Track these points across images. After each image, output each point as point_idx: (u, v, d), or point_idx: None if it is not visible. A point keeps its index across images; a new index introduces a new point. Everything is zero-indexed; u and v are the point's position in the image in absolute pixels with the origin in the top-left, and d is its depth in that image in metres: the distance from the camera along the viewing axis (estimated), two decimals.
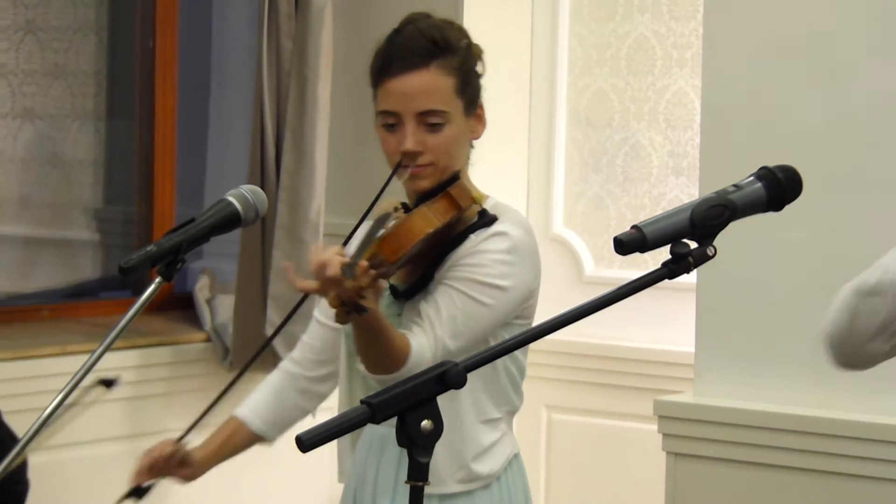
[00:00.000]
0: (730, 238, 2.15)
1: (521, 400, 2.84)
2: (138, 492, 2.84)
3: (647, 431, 4.33)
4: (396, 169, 2.70)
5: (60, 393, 2.32)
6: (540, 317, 2.40)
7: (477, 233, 2.71)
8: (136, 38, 5.20)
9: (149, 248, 2.39)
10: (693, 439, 3.84)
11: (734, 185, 2.04)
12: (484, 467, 2.76)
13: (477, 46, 2.80)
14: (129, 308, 2.35)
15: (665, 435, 3.88)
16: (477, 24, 2.92)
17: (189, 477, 2.89)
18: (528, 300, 2.76)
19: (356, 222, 2.80)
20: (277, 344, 4.46)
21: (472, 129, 2.78)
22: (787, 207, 2.07)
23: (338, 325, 2.86)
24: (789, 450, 3.70)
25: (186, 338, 4.88)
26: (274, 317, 4.71)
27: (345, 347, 2.85)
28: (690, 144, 4.91)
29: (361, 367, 2.63)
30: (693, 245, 1.98)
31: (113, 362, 4.38)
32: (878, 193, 3.64)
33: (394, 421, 1.83)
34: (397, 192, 2.76)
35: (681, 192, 4.96)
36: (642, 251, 1.96)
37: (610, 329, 4.90)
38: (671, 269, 1.96)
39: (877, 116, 3.64)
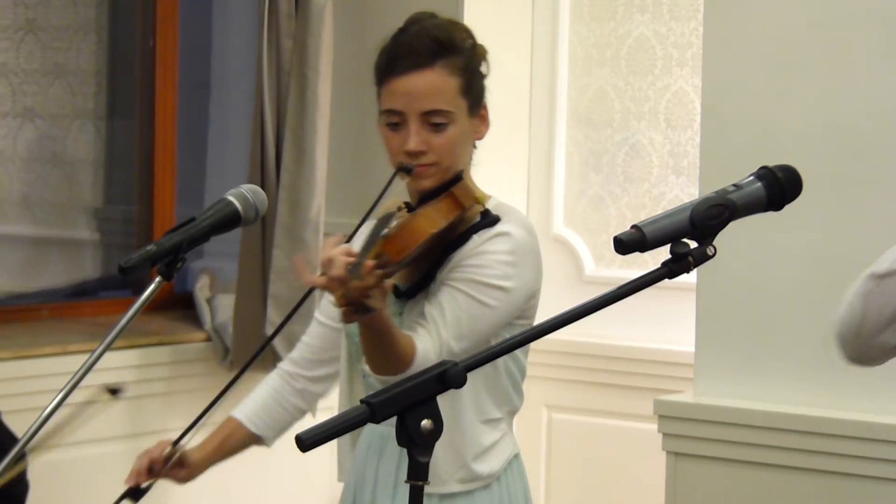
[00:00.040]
0: (730, 238, 2.15)
1: (521, 400, 2.84)
2: (135, 493, 2.83)
3: (647, 431, 4.33)
4: (399, 170, 2.70)
5: (60, 393, 2.32)
6: (540, 316, 2.40)
7: (480, 233, 2.71)
8: (136, 38, 5.19)
9: (149, 248, 2.39)
10: (693, 439, 3.84)
11: (734, 185, 2.04)
12: (484, 467, 2.76)
13: (482, 47, 2.80)
14: (129, 308, 2.35)
15: (665, 434, 3.87)
16: (477, 23, 2.92)
17: (186, 478, 2.88)
18: (530, 301, 2.76)
19: (356, 221, 2.80)
20: (277, 344, 4.46)
21: (475, 129, 2.78)
22: (787, 207, 2.07)
23: (338, 326, 2.86)
24: (790, 449, 3.70)
25: (186, 337, 4.88)
26: (274, 316, 4.71)
27: (346, 348, 2.85)
28: (690, 144, 4.91)
29: (366, 368, 2.63)
30: (693, 244, 1.98)
31: (113, 362, 4.39)
32: (878, 193, 3.64)
33: (394, 420, 1.83)
34: (398, 191, 2.76)
35: (681, 191, 4.96)
36: (642, 251, 1.96)
37: (610, 328, 4.89)
38: (671, 269, 1.96)
39: (877, 116, 3.64)
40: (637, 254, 1.97)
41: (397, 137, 2.72)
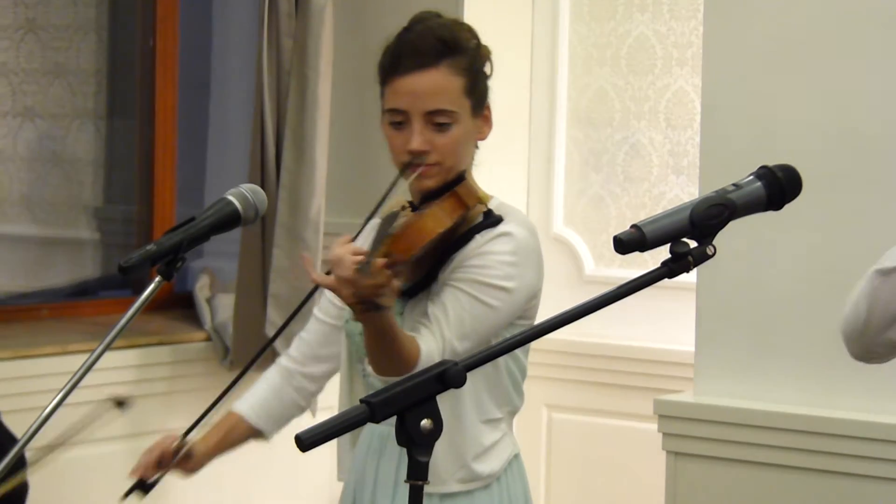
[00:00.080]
0: (730, 238, 2.15)
1: (521, 400, 2.84)
2: (144, 486, 2.84)
3: (647, 431, 4.33)
4: (404, 169, 2.70)
5: (60, 392, 2.31)
6: (540, 316, 2.40)
7: (482, 233, 2.71)
8: (136, 38, 5.19)
9: (149, 248, 2.39)
10: (693, 438, 3.84)
11: (734, 185, 2.04)
12: (484, 467, 2.76)
13: (486, 47, 2.80)
14: (129, 307, 2.35)
15: (665, 434, 3.87)
16: (477, 23, 2.91)
17: (191, 470, 2.90)
18: (531, 301, 2.76)
19: (356, 221, 2.80)
20: (278, 344, 4.46)
21: (478, 129, 2.78)
22: (787, 207, 2.07)
23: (337, 323, 2.87)
24: (789, 449, 3.70)
25: (186, 337, 4.88)
26: (274, 316, 4.71)
27: (346, 348, 2.85)
28: (690, 144, 4.91)
29: (368, 368, 2.63)
30: (693, 244, 1.98)
31: (113, 362, 4.39)
32: (878, 193, 3.63)
33: (394, 420, 1.83)
34: (400, 191, 2.76)
35: (681, 191, 4.96)
36: (642, 250, 1.96)
37: (610, 328, 4.90)
38: (671, 268, 1.96)
39: (877, 116, 3.64)
40: (637, 253, 1.97)
41: (401, 137, 2.72)
